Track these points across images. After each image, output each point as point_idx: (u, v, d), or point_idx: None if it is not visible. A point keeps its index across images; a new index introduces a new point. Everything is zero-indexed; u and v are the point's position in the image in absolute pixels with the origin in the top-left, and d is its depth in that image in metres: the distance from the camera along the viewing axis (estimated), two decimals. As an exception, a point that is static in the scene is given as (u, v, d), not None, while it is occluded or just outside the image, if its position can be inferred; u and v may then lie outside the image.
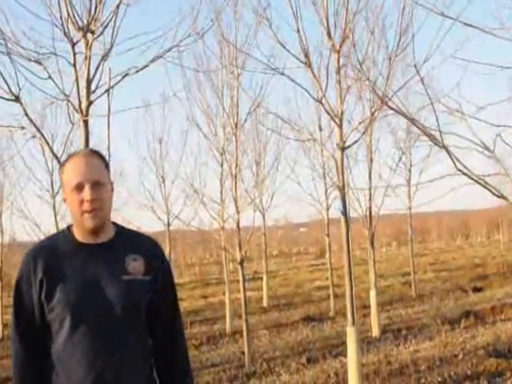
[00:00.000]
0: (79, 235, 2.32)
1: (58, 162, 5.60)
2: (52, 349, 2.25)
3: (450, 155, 4.53)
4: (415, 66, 5.12)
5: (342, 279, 17.69)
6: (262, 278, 19.69)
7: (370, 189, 11.53)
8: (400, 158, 14.16)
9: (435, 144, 4.68)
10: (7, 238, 17.74)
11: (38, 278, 2.24)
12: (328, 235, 15.41)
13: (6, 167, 15.36)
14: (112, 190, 2.36)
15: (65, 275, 2.24)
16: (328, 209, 15.34)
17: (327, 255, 43.60)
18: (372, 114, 6.76)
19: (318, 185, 15.31)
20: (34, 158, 13.69)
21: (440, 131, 4.55)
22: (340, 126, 6.85)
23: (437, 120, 4.61)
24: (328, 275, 23.90)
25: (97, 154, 2.35)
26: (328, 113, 6.83)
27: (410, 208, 16.37)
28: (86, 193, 2.22)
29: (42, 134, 5.45)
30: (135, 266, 2.31)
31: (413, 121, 5.17)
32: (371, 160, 12.01)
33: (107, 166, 2.38)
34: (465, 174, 4.49)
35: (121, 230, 2.42)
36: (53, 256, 2.28)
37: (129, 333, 2.26)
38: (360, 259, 37.41)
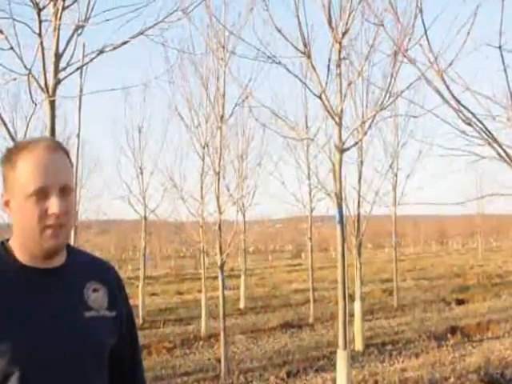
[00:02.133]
0: (23, 256, 1.64)
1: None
2: None
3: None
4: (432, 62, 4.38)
5: (319, 282, 17.10)
6: (238, 276, 18.98)
7: (359, 194, 10.79)
8: (392, 162, 13.48)
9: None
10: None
11: None
12: (310, 239, 14.62)
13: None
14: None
15: (5, 314, 1.56)
16: (312, 211, 14.56)
17: (303, 255, 42.95)
18: (377, 111, 5.98)
19: (303, 185, 14.58)
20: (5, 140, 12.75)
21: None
22: (339, 126, 6.10)
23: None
24: (305, 277, 23.75)
25: (61, 146, 1.68)
26: (327, 110, 6.06)
27: (395, 213, 15.71)
28: (53, 202, 1.57)
29: None
30: (97, 298, 1.73)
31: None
32: (361, 163, 11.28)
33: (71, 164, 1.71)
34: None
35: (72, 251, 1.78)
36: None
37: None
38: (336, 261, 36.86)
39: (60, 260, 1.69)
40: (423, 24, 3.85)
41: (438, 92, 3.08)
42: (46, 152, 1.61)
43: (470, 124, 3.60)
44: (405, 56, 3.76)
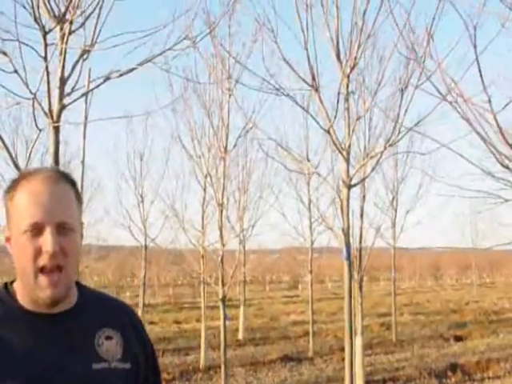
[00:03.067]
0: (26, 300, 1.41)
1: (19, 171, 4.50)
2: None
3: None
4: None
5: (317, 314, 16.67)
6: (236, 306, 18.57)
7: (361, 229, 10.50)
8: (393, 199, 13.22)
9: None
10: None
11: None
12: (311, 272, 14.26)
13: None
14: (82, 237, 1.46)
15: (4, 365, 1.32)
16: (312, 243, 14.24)
17: (300, 287, 42.45)
18: (386, 147, 5.74)
19: (303, 217, 14.28)
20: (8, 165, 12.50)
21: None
22: (347, 161, 5.85)
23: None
24: (303, 308, 23.32)
25: (65, 177, 1.46)
26: (336, 145, 5.83)
27: (394, 248, 15.39)
28: (46, 240, 1.34)
29: (1, 137, 4.32)
30: (109, 347, 1.46)
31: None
32: (363, 198, 11.01)
33: (79, 197, 1.47)
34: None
35: (85, 292, 1.53)
36: None
37: None
38: (332, 293, 36.44)
39: (68, 303, 1.44)
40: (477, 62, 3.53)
41: (479, 134, 2.82)
42: (45, 184, 1.39)
43: (507, 167, 3.32)
44: (452, 100, 3.36)
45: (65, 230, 1.37)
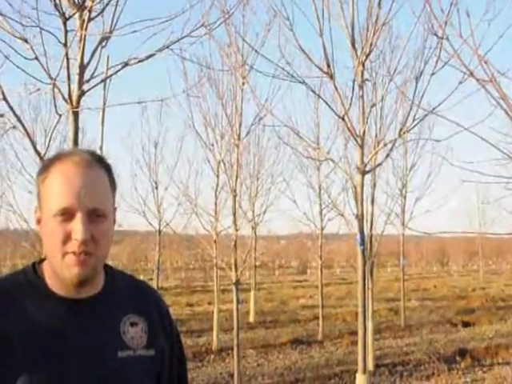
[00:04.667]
0: (54, 283, 1.35)
1: (41, 158, 4.48)
2: None
3: None
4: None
5: (325, 299, 16.69)
6: (246, 290, 18.63)
7: (372, 215, 10.41)
8: (403, 186, 13.11)
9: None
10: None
11: None
12: (321, 257, 14.20)
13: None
14: (114, 222, 1.41)
15: (32, 352, 1.27)
16: (322, 229, 14.16)
17: (308, 272, 42.51)
18: (404, 131, 5.64)
19: (313, 204, 14.19)
20: (27, 152, 12.52)
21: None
22: (362, 148, 5.77)
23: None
24: (311, 293, 23.33)
25: (100, 161, 1.39)
26: (350, 132, 5.74)
27: (403, 235, 15.30)
28: (77, 227, 1.28)
29: (23, 124, 4.28)
30: (134, 334, 1.40)
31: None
32: (374, 185, 10.92)
33: (113, 182, 1.40)
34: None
35: (113, 276, 1.47)
36: (13, 318, 1.29)
37: None
38: (340, 278, 36.42)
39: (95, 288, 1.39)
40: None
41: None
42: (78, 167, 1.32)
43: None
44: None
45: (97, 216, 1.32)
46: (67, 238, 1.29)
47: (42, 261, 1.42)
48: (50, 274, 1.37)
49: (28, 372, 1.26)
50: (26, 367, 1.26)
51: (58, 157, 1.36)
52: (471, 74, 2.83)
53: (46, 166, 1.36)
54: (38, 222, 1.36)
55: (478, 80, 2.78)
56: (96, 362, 1.33)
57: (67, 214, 1.29)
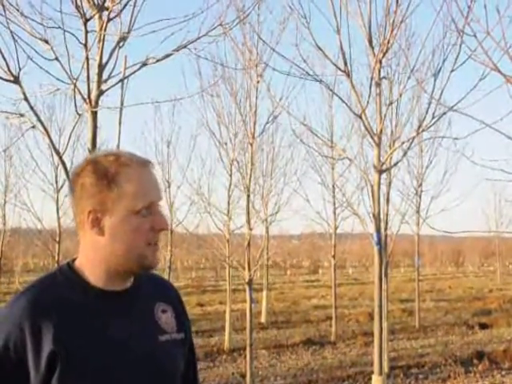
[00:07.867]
0: (97, 277, 1.50)
1: (60, 157, 4.59)
2: None
3: None
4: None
5: (337, 299, 16.75)
6: (258, 290, 18.75)
7: (387, 215, 10.45)
8: (420, 185, 13.13)
9: None
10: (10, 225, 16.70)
11: (46, 351, 1.37)
12: (334, 257, 14.25)
13: (12, 157, 14.48)
14: None
15: (86, 346, 1.41)
16: (336, 229, 14.21)
17: (320, 271, 42.40)
18: (423, 130, 5.70)
19: (327, 203, 14.22)
20: (41, 151, 12.74)
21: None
22: (379, 146, 5.84)
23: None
24: (323, 293, 23.41)
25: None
26: (367, 130, 5.81)
27: (418, 235, 15.30)
28: (160, 217, 1.50)
29: (42, 123, 4.39)
30: (167, 319, 1.59)
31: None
32: (389, 184, 10.95)
33: None
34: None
35: None
36: (66, 314, 1.43)
37: None
38: (352, 278, 36.41)
39: (129, 281, 1.56)
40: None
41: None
42: (147, 167, 1.53)
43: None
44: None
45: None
46: (151, 229, 1.48)
47: (74, 260, 1.56)
48: (91, 270, 1.50)
49: (84, 355, 1.40)
50: (90, 352, 1.41)
51: (119, 161, 1.49)
52: (496, 68, 2.88)
53: (107, 171, 1.47)
54: (98, 223, 1.47)
55: (503, 75, 2.82)
56: (144, 346, 1.49)
57: (150, 208, 1.48)
